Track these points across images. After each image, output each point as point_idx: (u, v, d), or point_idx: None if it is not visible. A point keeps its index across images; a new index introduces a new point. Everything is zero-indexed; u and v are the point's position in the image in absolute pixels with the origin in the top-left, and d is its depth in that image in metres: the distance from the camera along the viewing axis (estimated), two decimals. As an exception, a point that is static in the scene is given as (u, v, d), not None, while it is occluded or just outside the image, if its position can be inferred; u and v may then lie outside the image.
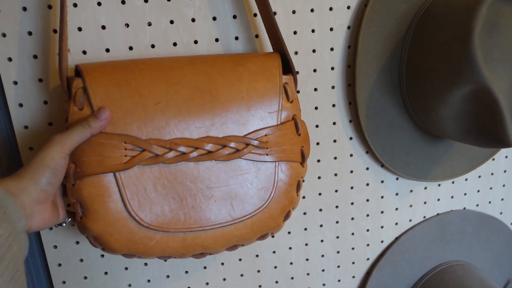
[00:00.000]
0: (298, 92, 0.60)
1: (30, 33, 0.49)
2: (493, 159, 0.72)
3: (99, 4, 0.50)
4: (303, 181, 0.64)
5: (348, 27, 0.59)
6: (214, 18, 0.54)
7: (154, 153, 0.46)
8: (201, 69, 0.49)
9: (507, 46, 0.53)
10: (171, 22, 0.53)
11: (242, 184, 0.49)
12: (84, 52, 0.51)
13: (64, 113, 0.53)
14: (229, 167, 0.48)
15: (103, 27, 0.51)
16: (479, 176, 0.73)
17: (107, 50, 0.52)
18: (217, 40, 0.55)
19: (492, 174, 0.73)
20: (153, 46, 0.53)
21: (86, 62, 0.50)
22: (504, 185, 0.75)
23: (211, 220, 0.48)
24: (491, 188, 0.74)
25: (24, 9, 0.49)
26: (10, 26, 0.49)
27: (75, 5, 0.50)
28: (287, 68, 0.52)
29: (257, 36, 0.56)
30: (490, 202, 0.75)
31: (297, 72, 0.59)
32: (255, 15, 0.55)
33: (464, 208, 0.74)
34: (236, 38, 0.56)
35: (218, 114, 0.48)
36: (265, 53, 0.53)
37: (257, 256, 0.65)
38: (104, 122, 0.45)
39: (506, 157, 0.73)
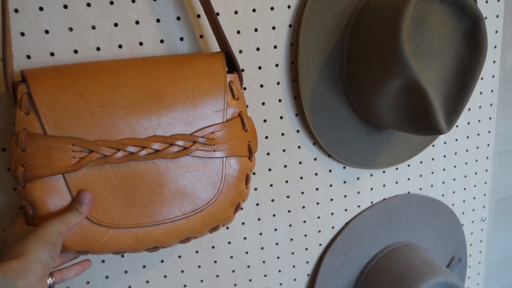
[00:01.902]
0: (244, 89, 0.62)
1: (-29, 40, 0.50)
2: (433, 145, 0.77)
3: (41, 9, 0.51)
4: (254, 174, 0.67)
5: (290, 26, 0.62)
6: (158, 20, 0.56)
7: (102, 154, 0.47)
8: (147, 71, 0.50)
9: (434, 41, 0.57)
10: (115, 25, 0.54)
11: (191, 181, 0.51)
12: (28, 57, 0.52)
13: (11, 117, 0.53)
14: (177, 164, 0.50)
15: (47, 32, 0.52)
16: (421, 162, 0.78)
17: (52, 54, 0.53)
18: (162, 41, 0.57)
19: (432, 159, 0.78)
20: (98, 49, 0.54)
21: (31, 67, 0.51)
22: (444, 169, 0.80)
23: (162, 216, 0.50)
24: (432, 173, 0.79)
25: (-36, 15, 0.49)
26: (-49, 33, 0.49)
27: (16, 10, 0.50)
28: (233, 67, 0.55)
29: (201, 36, 0.58)
30: (432, 186, 0.80)
31: (243, 70, 0.61)
32: (198, 16, 0.57)
33: (408, 192, 0.79)
34: (181, 39, 0.57)
35: (164, 115, 0.50)
36: (210, 53, 0.55)
37: (213, 247, 0.68)
38: (89, 204, 0.47)
39: (445, 143, 0.78)
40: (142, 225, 0.50)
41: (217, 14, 0.58)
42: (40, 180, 0.46)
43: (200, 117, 0.51)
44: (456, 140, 0.79)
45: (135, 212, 0.50)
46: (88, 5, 0.52)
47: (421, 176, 0.79)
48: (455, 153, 0.79)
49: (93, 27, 0.53)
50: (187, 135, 0.50)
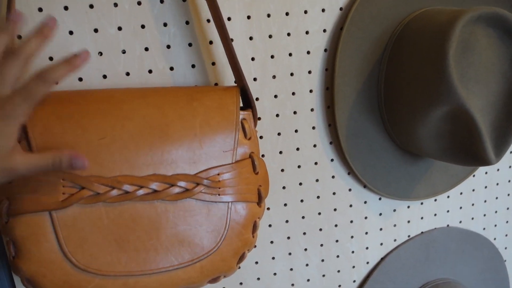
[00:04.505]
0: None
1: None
2: (474, 176, 0.73)
3: (71, 33, 0.49)
4: (285, 205, 0.63)
5: (325, 50, 0.59)
6: (190, 44, 0.53)
7: (94, 192, 0.43)
8: (153, 102, 0.46)
9: (481, 66, 0.54)
10: (146, 49, 0.52)
11: (191, 226, 0.46)
12: (56, 82, 0.50)
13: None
14: (178, 207, 0.46)
15: (76, 56, 0.50)
16: (461, 193, 0.73)
17: (80, 79, 0.51)
18: (193, 66, 0.54)
19: (473, 190, 0.74)
20: (128, 74, 0.52)
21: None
22: (485, 201, 0.75)
23: (156, 264, 0.45)
24: (473, 205, 0.74)
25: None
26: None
27: (46, 34, 0.49)
28: (248, 103, 0.51)
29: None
30: (472, 218, 0.75)
31: (276, 96, 0.59)
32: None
33: (448, 225, 0.74)
34: (213, 64, 0.55)
35: (168, 151, 0.45)
36: (224, 87, 0.51)
37: (241, 284, 0.64)
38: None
39: (486, 173, 0.74)
40: (132, 273, 0.45)
41: (251, 38, 0.55)
42: (24, 216, 0.42)
43: (207, 157, 0.46)
44: (498, 170, 0.74)
45: (126, 258, 0.45)
46: (119, 28, 0.51)
47: (461, 208, 0.74)
48: (497, 184, 0.75)
49: (123, 52, 0.51)
50: (190, 175, 0.45)
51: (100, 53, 0.51)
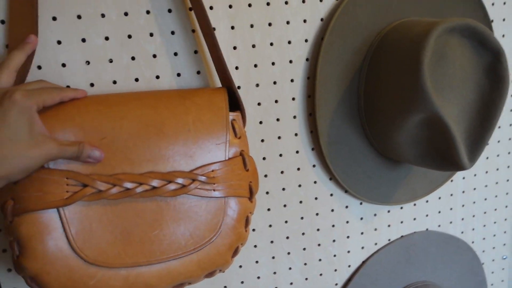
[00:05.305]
0: (260, 122, 0.61)
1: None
2: (452, 181, 0.75)
3: (59, 42, 0.51)
4: (268, 210, 0.65)
5: (307, 59, 0.61)
6: (175, 54, 0.55)
7: (97, 189, 0.45)
8: (148, 103, 0.49)
9: (455, 75, 0.56)
10: (133, 58, 0.54)
11: (191, 217, 0.49)
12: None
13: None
14: (177, 200, 0.48)
15: (63, 65, 0.51)
16: (439, 198, 0.75)
17: (68, 87, 0.52)
18: (179, 74, 0.56)
19: (451, 195, 0.76)
20: (114, 82, 0.54)
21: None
22: (463, 205, 0.78)
23: (159, 253, 0.48)
24: (451, 209, 0.77)
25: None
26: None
27: (34, 44, 0.50)
28: (236, 105, 0.53)
29: (217, 70, 0.57)
30: (451, 222, 0.78)
31: (259, 104, 0.60)
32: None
33: (427, 229, 0.76)
34: (198, 72, 0.57)
35: (165, 147, 0.48)
36: (213, 88, 0.54)
37: (225, 287, 0.65)
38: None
39: (464, 178, 0.76)
40: (138, 264, 0.47)
41: (235, 48, 0.57)
42: (30, 215, 0.44)
43: (202, 151, 0.49)
44: (475, 175, 0.77)
45: (132, 250, 0.47)
46: (106, 38, 0.52)
47: (439, 212, 0.76)
48: (474, 189, 0.77)
49: (110, 61, 0.53)
50: (187, 172, 0.48)
51: (88, 62, 0.52)
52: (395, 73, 0.57)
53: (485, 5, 0.67)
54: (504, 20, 0.71)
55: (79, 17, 0.51)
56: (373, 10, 0.61)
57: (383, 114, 0.60)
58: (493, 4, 0.69)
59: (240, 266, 0.65)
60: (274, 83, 0.61)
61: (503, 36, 0.72)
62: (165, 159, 0.48)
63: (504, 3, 0.70)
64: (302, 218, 0.67)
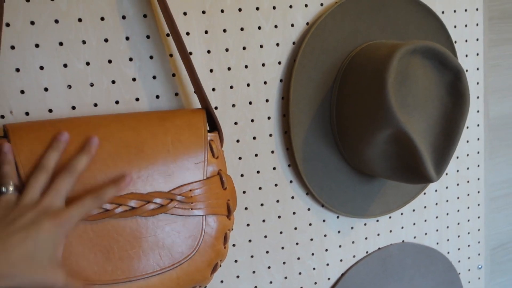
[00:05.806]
0: (239, 141, 0.64)
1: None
2: (424, 193, 0.78)
3: (41, 68, 0.53)
4: (248, 225, 0.67)
5: (281, 80, 0.65)
6: (154, 77, 0.58)
7: None
8: (128, 124, 0.51)
9: (419, 93, 0.60)
10: (113, 82, 0.56)
11: (170, 234, 0.50)
12: (27, 113, 0.53)
13: None
14: (156, 218, 0.50)
15: (46, 89, 0.54)
16: (413, 210, 0.78)
17: (50, 111, 0.54)
18: (157, 97, 0.59)
19: (425, 207, 0.79)
20: (95, 105, 0.56)
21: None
22: (437, 217, 0.81)
23: (139, 270, 0.49)
24: (425, 221, 0.80)
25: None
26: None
27: (17, 69, 0.52)
28: (213, 126, 0.56)
29: (195, 92, 0.60)
30: (426, 234, 0.80)
31: (235, 123, 0.63)
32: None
33: (403, 240, 0.79)
34: (176, 94, 0.59)
35: (144, 167, 0.50)
36: (192, 109, 0.56)
37: (207, 302, 0.67)
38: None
39: (436, 191, 0.79)
40: (117, 281, 0.48)
41: (211, 70, 0.60)
42: None
43: (180, 169, 0.51)
44: (447, 187, 0.80)
45: (111, 267, 0.48)
46: (87, 63, 0.55)
47: (414, 224, 0.79)
48: (447, 201, 0.80)
49: (91, 84, 0.55)
50: (165, 192, 0.50)
51: (69, 86, 0.55)
52: (363, 93, 0.61)
53: (447, 28, 0.71)
54: (466, 41, 0.76)
55: (60, 44, 0.53)
56: (342, 34, 0.65)
57: (354, 131, 0.64)
58: (455, 26, 0.74)
59: (222, 281, 0.67)
60: (250, 103, 0.64)
61: (466, 56, 0.76)
62: (145, 177, 0.50)
63: (466, 26, 0.75)
64: (281, 232, 0.69)
